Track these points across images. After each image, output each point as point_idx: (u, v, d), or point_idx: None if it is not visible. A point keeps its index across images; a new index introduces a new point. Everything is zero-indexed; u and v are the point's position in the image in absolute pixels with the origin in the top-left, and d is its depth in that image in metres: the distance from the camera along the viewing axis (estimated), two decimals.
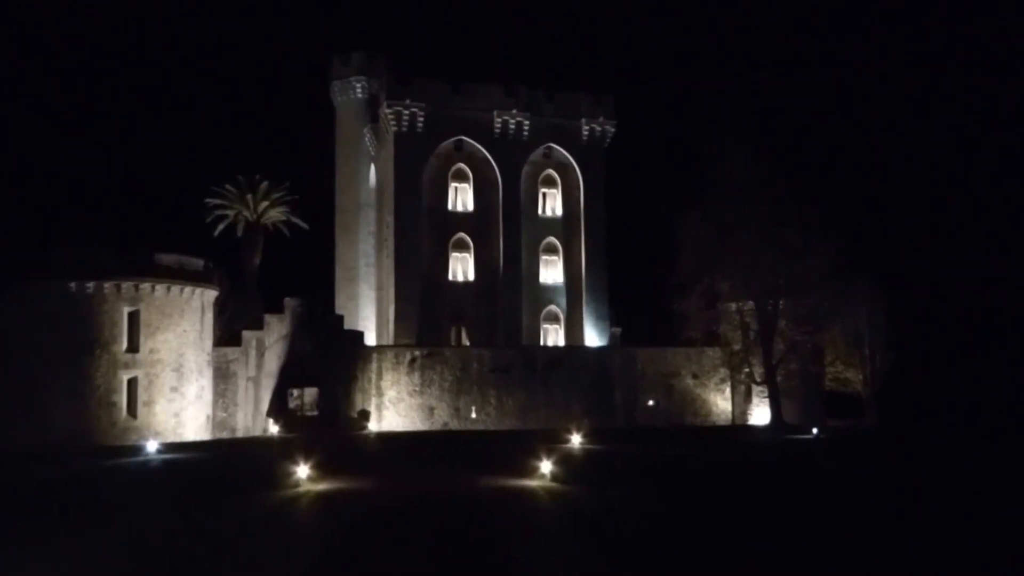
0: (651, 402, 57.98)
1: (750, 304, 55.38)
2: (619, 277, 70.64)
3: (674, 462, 34.86)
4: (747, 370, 56.36)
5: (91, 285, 43.57)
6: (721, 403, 59.35)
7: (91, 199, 79.08)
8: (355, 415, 51.74)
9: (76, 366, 43.19)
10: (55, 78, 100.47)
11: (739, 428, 55.93)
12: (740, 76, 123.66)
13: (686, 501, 25.14)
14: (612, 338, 64.29)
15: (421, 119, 64.77)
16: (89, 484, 29.01)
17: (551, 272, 68.87)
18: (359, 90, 69.03)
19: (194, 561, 17.89)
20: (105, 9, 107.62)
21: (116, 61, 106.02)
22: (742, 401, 59.19)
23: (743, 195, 53.03)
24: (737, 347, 56.61)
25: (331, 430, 48.61)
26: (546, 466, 28.90)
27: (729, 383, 59.16)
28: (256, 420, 49.87)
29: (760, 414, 57.47)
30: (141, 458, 36.23)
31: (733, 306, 56.79)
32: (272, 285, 59.30)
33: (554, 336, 68.36)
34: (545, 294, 68.37)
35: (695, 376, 59.08)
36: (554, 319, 68.53)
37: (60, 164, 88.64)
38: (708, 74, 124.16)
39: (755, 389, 57.37)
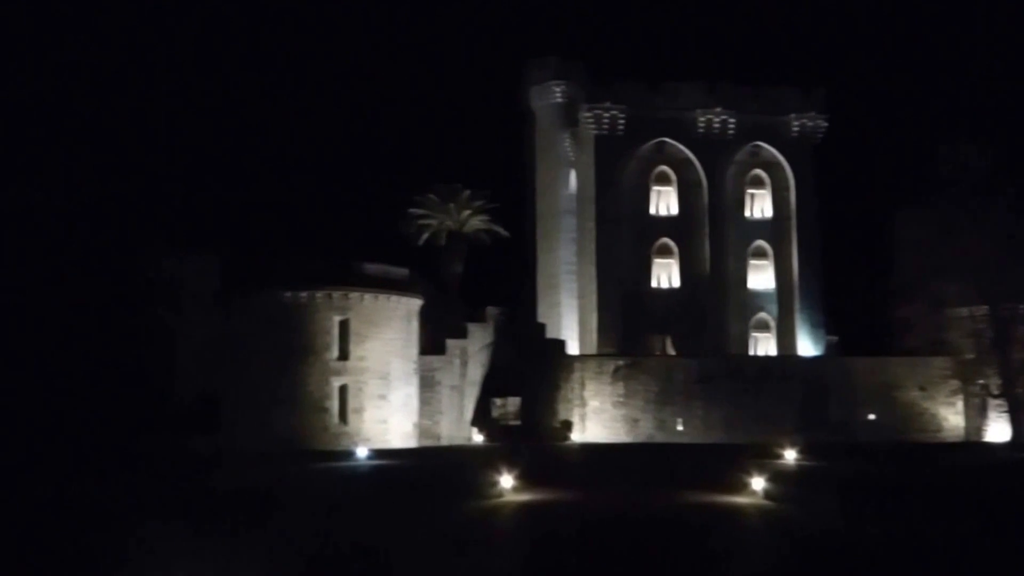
0: (872, 416, 54.47)
1: (984, 309, 51.08)
2: (834, 281, 67.14)
3: (901, 482, 32.37)
4: (981, 381, 52.00)
5: (304, 294, 45.94)
6: (952, 418, 54.95)
7: (300, 211, 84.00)
8: (558, 425, 51.76)
9: (291, 373, 45.62)
10: (265, 100, 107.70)
11: (973, 446, 51.45)
12: (965, 60, 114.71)
13: (916, 528, 23.15)
14: (828, 347, 61.12)
15: (621, 122, 64.34)
16: (305, 486, 30.38)
17: (760, 277, 66.43)
18: (558, 95, 69.30)
19: (399, 565, 18.21)
20: (311, 26, 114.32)
21: (317, 77, 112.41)
22: (976, 416, 54.51)
23: (974, 189, 48.96)
24: (969, 356, 52.31)
25: (534, 440, 48.81)
26: (758, 482, 27.50)
27: (961, 396, 54.73)
28: (460, 428, 50.84)
29: (998, 430, 52.74)
30: (352, 463, 37.76)
31: (964, 311, 52.56)
32: (473, 294, 60.39)
33: (764, 345, 65.82)
34: (754, 300, 66.02)
35: (922, 388, 55.03)
36: (764, 327, 66.00)
37: (272, 179, 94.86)
38: (927, 59, 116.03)
39: (991, 403, 52.77)
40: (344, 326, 46.69)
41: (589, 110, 64.61)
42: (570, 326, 68.63)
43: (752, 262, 66.49)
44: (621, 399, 53.18)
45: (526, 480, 28.82)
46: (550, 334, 58.04)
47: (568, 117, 69.31)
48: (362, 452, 40.41)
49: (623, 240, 64.58)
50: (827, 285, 65.87)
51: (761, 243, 66.45)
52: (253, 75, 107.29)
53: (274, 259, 48.32)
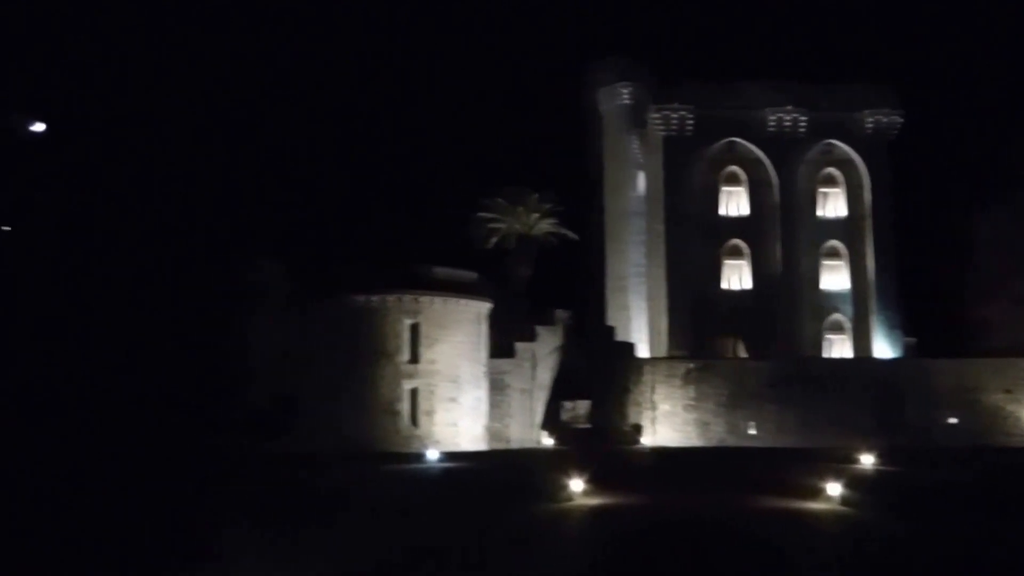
0: (953, 419, 52.84)
1: None
2: (911, 281, 65.39)
3: (986, 489, 31.29)
4: None
5: (375, 299, 46.51)
6: None
7: (371, 215, 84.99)
8: (628, 429, 51.44)
9: (362, 376, 46.22)
10: (336, 105, 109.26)
11: None
12: None
13: (1002, 537, 22.33)
14: (906, 349, 59.53)
15: (690, 122, 63.80)
16: (377, 488, 30.76)
17: (834, 278, 65.09)
18: (625, 96, 68.90)
19: (469, 567, 18.29)
20: (382, 33, 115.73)
21: (388, 83, 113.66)
22: None
23: None
24: None
25: (604, 443, 48.54)
26: (834, 488, 26.88)
27: None
28: (529, 431, 50.86)
29: None
30: (423, 465, 38.11)
31: None
32: (542, 297, 60.28)
33: (838, 347, 64.44)
34: (827, 301, 64.74)
35: (1007, 391, 53.18)
36: (838, 328, 64.63)
37: (344, 184, 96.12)
38: (1006, 51, 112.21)
39: None
40: (415, 329, 47.13)
41: (657, 111, 64.19)
42: (639, 329, 68.13)
43: (825, 262, 65.22)
44: (692, 402, 52.57)
45: (596, 484, 28.68)
46: (619, 337, 57.84)
47: (635, 118, 68.91)
48: (432, 454, 40.66)
49: (693, 241, 63.96)
50: (904, 285, 64.28)
51: (834, 243, 65.16)
52: (323, 82, 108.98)
53: (345, 264, 49.00)
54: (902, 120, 64.73)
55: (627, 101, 68.96)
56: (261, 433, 45.96)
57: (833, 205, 65.84)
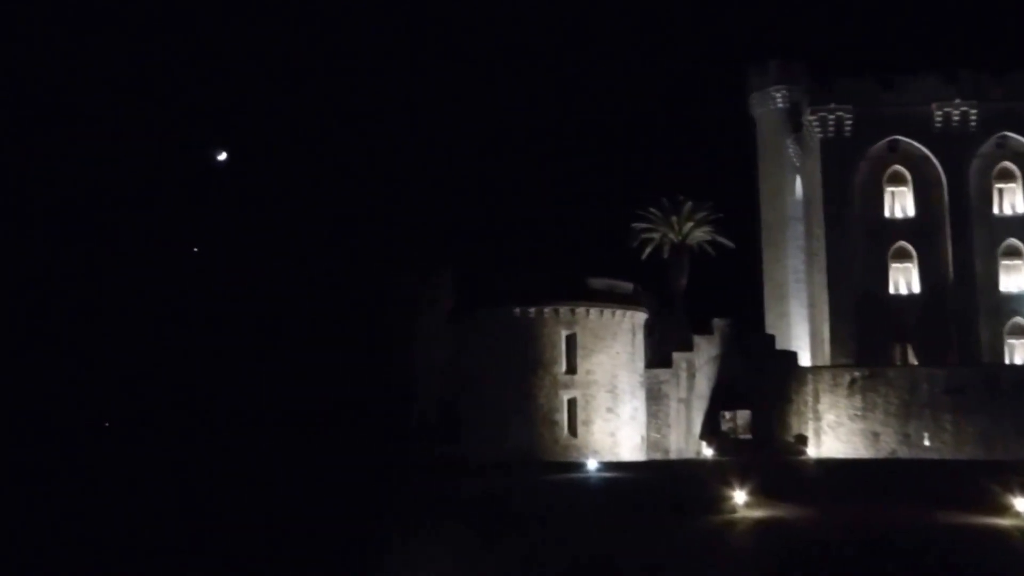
0: None
1: None
2: None
3: None
4: None
5: (532, 310, 46.99)
6: None
7: (528, 226, 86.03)
8: (791, 439, 49.88)
9: (522, 386, 46.70)
10: (497, 116, 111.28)
11: None
12: None
13: None
14: None
15: (848, 122, 61.44)
16: (544, 497, 31.23)
17: (1014, 279, 60.97)
18: (779, 100, 66.95)
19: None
20: (539, 45, 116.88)
21: (546, 95, 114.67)
22: None
23: None
24: None
25: (766, 454, 47.27)
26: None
27: None
28: (689, 442, 50.15)
29: None
30: (583, 475, 38.26)
31: None
32: (698, 306, 59.34)
33: (1022, 352, 60.25)
34: (1007, 304, 60.67)
35: None
36: (1021, 332, 60.43)
37: (502, 196, 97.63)
38: None
39: None
40: (571, 340, 47.36)
41: (813, 113, 62.19)
42: (800, 336, 65.94)
43: (1004, 262, 61.20)
44: (859, 412, 50.25)
45: (760, 495, 28.31)
46: (779, 345, 56.17)
47: (791, 122, 66.86)
48: (592, 464, 40.76)
49: (856, 245, 61.47)
50: None
51: (1014, 241, 61.06)
52: (488, 94, 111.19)
53: (504, 275, 49.82)
54: None
55: (781, 105, 67.01)
56: (431, 440, 47.60)
57: (1010, 202, 61.81)
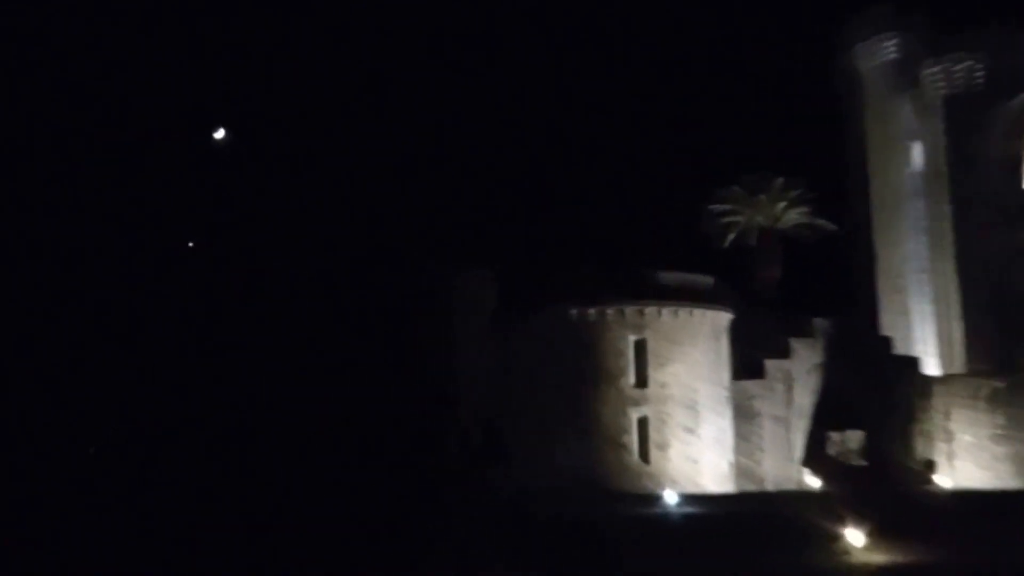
0: None
1: None
2: None
3: None
4: None
5: (592, 311, 46.01)
6: None
7: (582, 215, 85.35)
8: (916, 466, 49.00)
9: (580, 402, 45.84)
10: (543, 93, 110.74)
11: None
12: None
13: None
14: None
15: (979, 75, 60.08)
16: (620, 534, 30.90)
17: None
18: (891, 50, 65.44)
19: None
20: (600, 19, 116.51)
21: (600, 63, 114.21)
22: None
23: None
24: None
25: (886, 484, 45.99)
26: None
27: None
28: (787, 469, 49.17)
29: None
30: (660, 510, 37.50)
31: None
32: (796, 303, 58.57)
33: None
34: None
35: None
36: None
37: (550, 179, 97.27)
38: None
39: None
40: (640, 347, 46.43)
41: (935, 64, 61.12)
42: (924, 339, 64.32)
43: None
44: (1002, 432, 48.47)
45: (879, 535, 27.56)
46: (899, 350, 55.18)
47: (906, 76, 65.53)
48: (671, 497, 39.74)
49: (993, 227, 59.79)
50: None
51: None
52: (530, 76, 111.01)
53: (556, 272, 49.11)
54: None
55: (894, 55, 65.70)
56: (475, 460, 47.00)
57: None
